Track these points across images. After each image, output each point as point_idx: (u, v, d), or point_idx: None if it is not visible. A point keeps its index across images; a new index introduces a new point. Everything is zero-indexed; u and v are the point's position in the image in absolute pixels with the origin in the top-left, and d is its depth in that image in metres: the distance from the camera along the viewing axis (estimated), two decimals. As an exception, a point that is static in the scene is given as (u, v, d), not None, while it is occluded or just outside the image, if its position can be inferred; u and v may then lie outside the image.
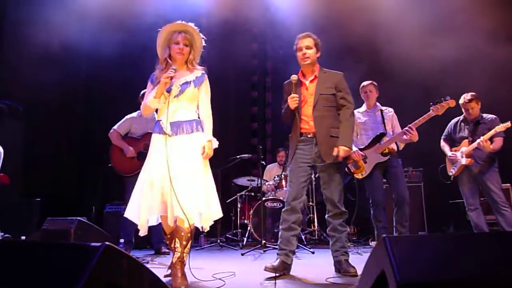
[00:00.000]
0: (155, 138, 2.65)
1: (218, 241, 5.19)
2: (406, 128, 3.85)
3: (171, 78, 2.60)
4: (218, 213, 2.66)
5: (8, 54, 5.46)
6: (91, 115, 6.51)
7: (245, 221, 5.49)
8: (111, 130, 4.41)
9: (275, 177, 5.60)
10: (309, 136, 3.06)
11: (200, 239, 5.36)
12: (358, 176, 4.11)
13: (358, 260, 3.72)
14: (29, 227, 4.71)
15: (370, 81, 4.24)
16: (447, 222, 5.50)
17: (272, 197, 5.30)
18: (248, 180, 5.73)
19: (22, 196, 5.19)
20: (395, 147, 4.10)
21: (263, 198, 5.20)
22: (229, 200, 5.70)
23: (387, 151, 4.00)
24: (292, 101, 2.98)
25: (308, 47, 3.07)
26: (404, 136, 3.91)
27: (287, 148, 5.81)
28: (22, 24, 5.44)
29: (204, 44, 2.82)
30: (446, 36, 5.45)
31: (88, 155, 6.25)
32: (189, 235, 2.54)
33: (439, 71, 5.44)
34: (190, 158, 2.56)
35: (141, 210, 2.49)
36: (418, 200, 5.14)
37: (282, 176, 5.50)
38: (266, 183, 5.64)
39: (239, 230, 5.50)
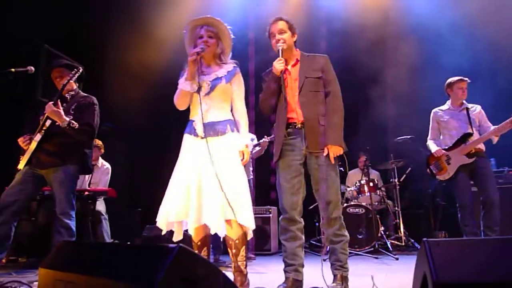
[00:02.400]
0: (187, 140, 2.51)
1: (302, 247, 5.32)
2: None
3: (198, 53, 2.39)
4: (248, 223, 2.35)
5: (104, 75, 6.08)
6: (177, 131, 7.02)
7: (328, 227, 5.52)
8: None
9: (356, 183, 5.56)
10: (297, 127, 2.59)
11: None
12: (441, 177, 3.93)
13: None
14: (133, 233, 5.33)
15: (465, 78, 3.94)
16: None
17: (354, 203, 5.28)
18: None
19: (126, 207, 5.89)
20: (482, 147, 3.85)
21: (345, 204, 5.21)
22: (311, 207, 5.78)
23: (473, 151, 3.77)
24: (277, 63, 2.53)
25: (281, 31, 2.61)
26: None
27: (366, 152, 5.76)
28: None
29: (232, 36, 2.59)
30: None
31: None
32: (237, 241, 2.37)
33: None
34: (225, 163, 2.36)
35: (170, 215, 2.40)
36: (516, 202, 4.67)
37: (364, 181, 5.44)
38: (348, 189, 5.62)
39: (322, 236, 5.55)
